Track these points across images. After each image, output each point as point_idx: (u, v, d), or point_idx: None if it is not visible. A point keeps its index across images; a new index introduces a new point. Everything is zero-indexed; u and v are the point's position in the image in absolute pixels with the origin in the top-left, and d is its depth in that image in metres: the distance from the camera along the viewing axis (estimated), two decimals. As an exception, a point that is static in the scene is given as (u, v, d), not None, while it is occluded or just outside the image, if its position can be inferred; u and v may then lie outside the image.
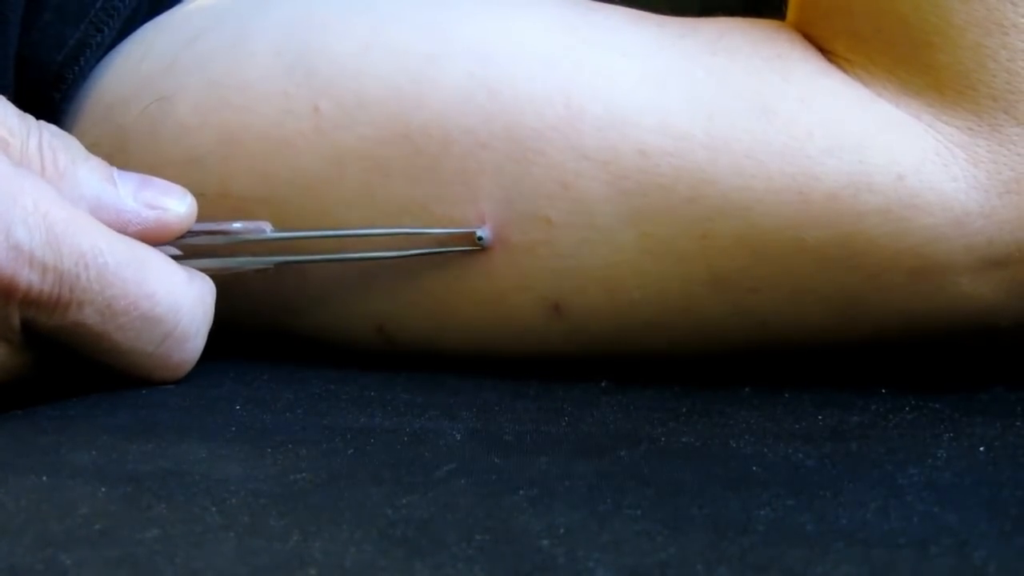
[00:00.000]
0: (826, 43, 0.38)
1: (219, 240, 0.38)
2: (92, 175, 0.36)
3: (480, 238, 0.38)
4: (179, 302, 0.36)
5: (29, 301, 0.34)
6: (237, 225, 0.38)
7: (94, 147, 0.39)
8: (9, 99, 0.37)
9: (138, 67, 0.42)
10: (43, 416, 0.35)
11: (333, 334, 0.41)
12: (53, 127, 0.37)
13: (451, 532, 0.26)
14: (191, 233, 0.38)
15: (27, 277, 0.34)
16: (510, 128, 0.37)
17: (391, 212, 0.38)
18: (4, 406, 0.36)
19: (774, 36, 0.38)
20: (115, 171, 0.37)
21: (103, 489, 0.29)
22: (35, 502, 0.28)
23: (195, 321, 0.37)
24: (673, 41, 0.38)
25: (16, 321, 0.34)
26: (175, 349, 0.37)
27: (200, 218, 0.38)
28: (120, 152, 0.40)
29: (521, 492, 0.29)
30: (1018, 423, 0.34)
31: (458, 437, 0.33)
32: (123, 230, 0.36)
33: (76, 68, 0.43)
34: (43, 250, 0.34)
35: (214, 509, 0.27)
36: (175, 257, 0.38)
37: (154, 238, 0.37)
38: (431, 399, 0.37)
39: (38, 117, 0.37)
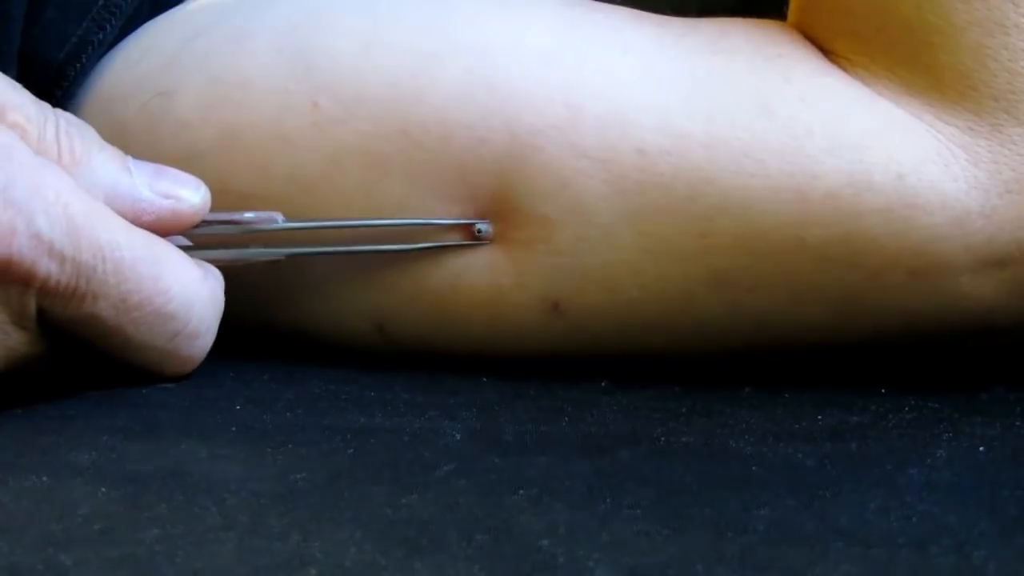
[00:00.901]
0: (827, 43, 0.38)
1: (231, 230, 0.39)
2: (107, 164, 0.36)
3: (480, 231, 0.38)
4: (192, 299, 0.36)
5: (46, 291, 0.34)
6: (249, 215, 0.39)
7: None
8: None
9: (139, 64, 0.42)
10: (43, 416, 0.35)
11: (332, 332, 0.41)
12: (68, 115, 0.37)
13: (451, 532, 0.26)
14: (204, 223, 0.38)
15: (46, 267, 0.34)
16: (509, 125, 0.37)
17: (389, 208, 0.38)
18: (4, 406, 0.36)
19: (775, 35, 0.38)
20: (130, 160, 0.37)
21: (103, 489, 0.29)
22: (35, 502, 0.28)
23: (206, 319, 0.37)
24: (674, 40, 0.38)
25: (33, 309, 0.35)
26: (185, 345, 0.37)
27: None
28: (120, 147, 0.40)
29: (521, 492, 0.29)
30: (1018, 423, 0.34)
31: (458, 437, 0.33)
32: (137, 218, 0.36)
33: (78, 65, 0.43)
34: (62, 241, 0.34)
35: (214, 509, 0.27)
36: (186, 247, 0.38)
37: (168, 227, 0.37)
38: (431, 399, 0.37)
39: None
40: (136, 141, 0.41)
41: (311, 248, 0.39)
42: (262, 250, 0.39)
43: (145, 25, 0.44)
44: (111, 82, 0.42)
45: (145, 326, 0.36)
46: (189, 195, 0.37)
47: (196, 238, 0.38)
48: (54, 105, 0.42)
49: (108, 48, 0.44)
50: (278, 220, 0.39)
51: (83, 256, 0.34)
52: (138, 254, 0.35)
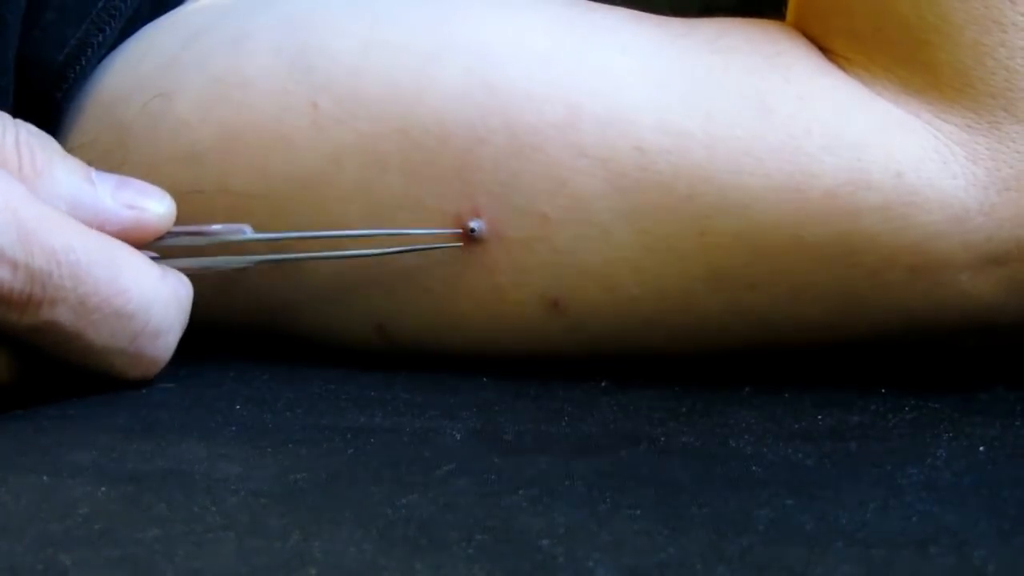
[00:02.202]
0: (825, 42, 0.38)
1: (199, 241, 0.38)
2: (70, 174, 0.36)
3: (473, 230, 0.38)
4: (151, 298, 0.36)
5: (1, 300, 0.34)
6: (216, 227, 0.38)
7: (93, 143, 0.39)
8: (10, 99, 0.37)
9: (139, 65, 0.42)
10: (43, 416, 0.35)
11: (332, 333, 0.41)
12: (30, 125, 0.37)
13: (451, 532, 0.26)
14: (170, 234, 0.38)
15: None
16: (508, 124, 0.37)
17: (388, 207, 0.38)
18: (4, 406, 0.36)
19: (774, 35, 0.38)
20: (93, 171, 0.37)
21: (103, 489, 0.29)
22: (35, 502, 0.28)
23: (167, 317, 0.37)
24: (673, 40, 0.38)
25: None
26: (147, 346, 0.36)
27: (197, 215, 0.38)
28: (119, 148, 0.40)
29: (521, 492, 0.29)
30: (1018, 423, 0.34)
31: (458, 437, 0.33)
32: (101, 229, 0.36)
33: (77, 68, 0.43)
34: (14, 248, 0.33)
35: (214, 509, 0.28)
36: (153, 259, 0.37)
37: (133, 238, 0.37)
38: (431, 399, 0.37)
39: (40, 116, 0.37)
40: (136, 142, 0.41)
41: (282, 255, 0.39)
42: (230, 258, 0.39)
43: (145, 27, 0.44)
44: (111, 84, 0.42)
45: (105, 329, 0.35)
46: (154, 205, 0.37)
47: (163, 250, 0.38)
48: (55, 108, 0.42)
49: (108, 50, 0.44)
50: (246, 232, 0.38)
51: (37, 262, 0.34)
52: (93, 257, 0.35)
